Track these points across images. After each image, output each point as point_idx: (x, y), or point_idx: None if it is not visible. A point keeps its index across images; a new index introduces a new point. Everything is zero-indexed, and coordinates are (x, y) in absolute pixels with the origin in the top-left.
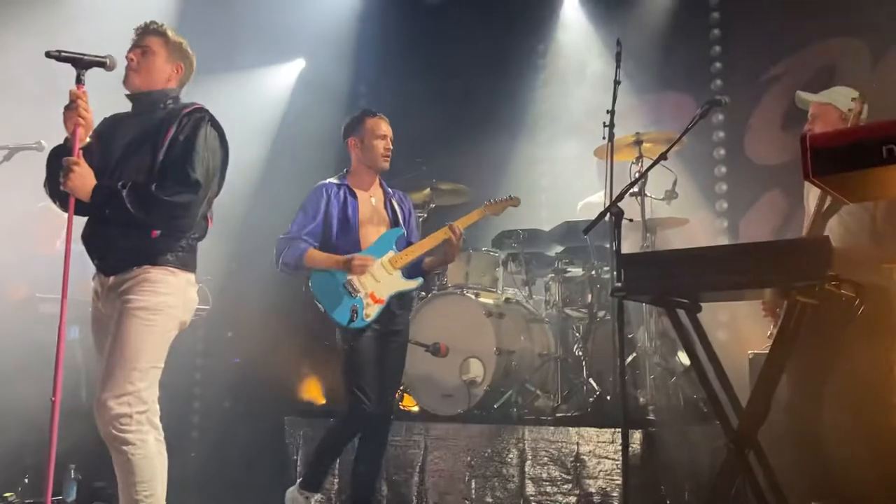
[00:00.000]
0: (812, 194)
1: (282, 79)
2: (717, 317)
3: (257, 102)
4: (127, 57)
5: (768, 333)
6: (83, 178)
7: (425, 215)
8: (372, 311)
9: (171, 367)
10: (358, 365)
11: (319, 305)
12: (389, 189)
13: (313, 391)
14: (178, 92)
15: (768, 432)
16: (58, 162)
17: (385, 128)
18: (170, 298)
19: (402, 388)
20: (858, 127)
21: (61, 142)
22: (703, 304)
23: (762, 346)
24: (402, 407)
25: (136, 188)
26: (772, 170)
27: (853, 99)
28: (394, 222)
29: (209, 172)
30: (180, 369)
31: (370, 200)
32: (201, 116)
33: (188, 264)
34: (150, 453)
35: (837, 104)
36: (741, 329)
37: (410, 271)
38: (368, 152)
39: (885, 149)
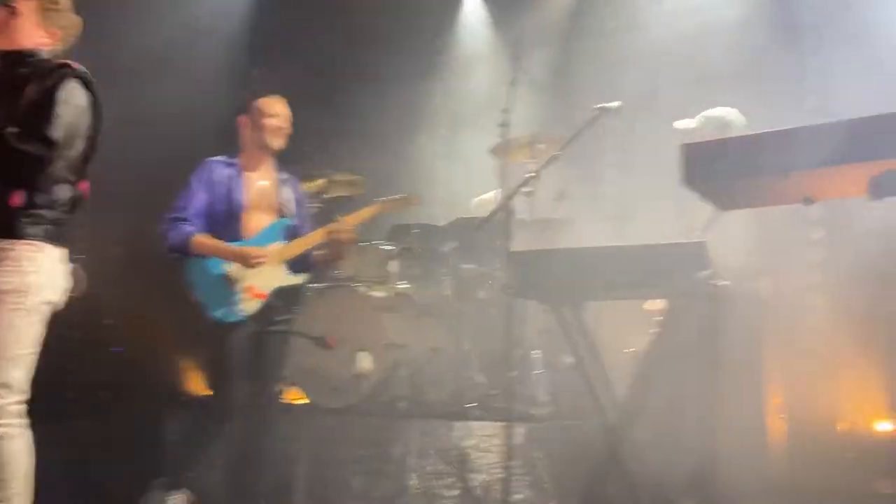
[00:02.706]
0: (693, 202)
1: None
2: (601, 314)
3: (143, 72)
4: None
5: (647, 333)
6: None
7: (321, 206)
8: (249, 306)
9: (44, 355)
10: (227, 360)
11: (193, 294)
12: (283, 174)
13: (196, 382)
14: (53, 52)
15: (644, 429)
16: None
17: (279, 107)
18: (38, 277)
19: (288, 380)
20: (732, 138)
21: None
22: (588, 303)
23: (643, 344)
24: (288, 399)
25: None
26: (659, 175)
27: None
28: (283, 211)
29: (66, 130)
30: (54, 358)
31: (259, 184)
32: (67, 73)
33: (57, 238)
34: (22, 447)
35: (712, 125)
36: (623, 327)
37: (297, 265)
38: (259, 131)
39: (757, 159)
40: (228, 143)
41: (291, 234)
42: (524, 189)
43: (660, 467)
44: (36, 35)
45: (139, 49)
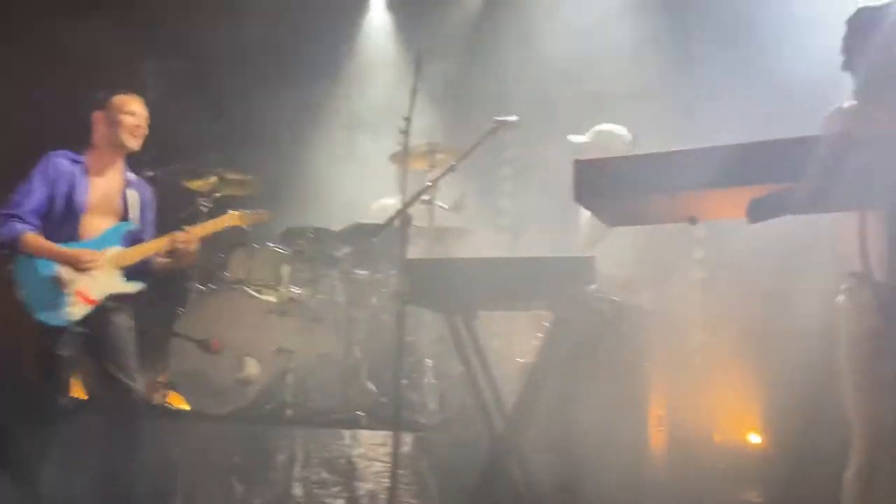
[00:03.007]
0: (584, 215)
1: None
2: (493, 324)
3: None
4: None
5: (535, 342)
6: None
7: (211, 205)
8: (78, 311)
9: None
10: (50, 367)
11: (20, 295)
12: (131, 175)
13: (73, 386)
14: None
15: (531, 438)
16: None
17: (136, 106)
18: None
19: (169, 384)
20: (622, 157)
21: None
22: (479, 313)
23: (532, 356)
24: (168, 404)
25: None
26: (553, 190)
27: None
28: (127, 215)
29: None
30: None
31: (104, 185)
32: None
33: None
34: None
35: (603, 141)
36: (514, 338)
37: (135, 272)
38: (114, 128)
39: (645, 178)
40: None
41: (132, 239)
42: (422, 197)
43: (546, 476)
44: None
45: None
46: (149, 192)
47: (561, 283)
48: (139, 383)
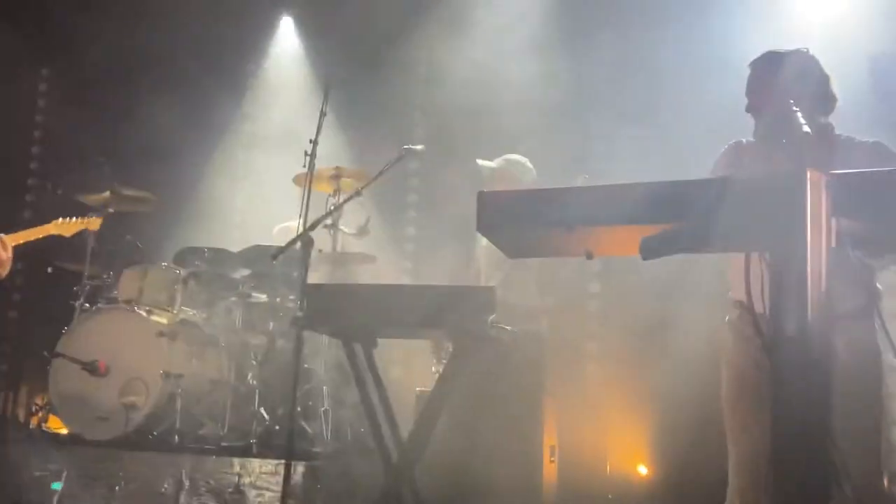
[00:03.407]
0: (481, 244)
1: None
2: (391, 353)
3: None
4: None
5: (435, 373)
6: None
7: (100, 219)
8: None
9: None
10: None
11: None
12: None
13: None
14: None
15: (426, 468)
16: None
17: None
18: None
19: (47, 407)
20: (524, 190)
21: None
22: (379, 340)
23: (430, 384)
24: (46, 428)
25: None
26: (456, 219)
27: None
28: None
29: None
30: None
31: None
32: None
33: None
34: None
35: (509, 168)
36: (414, 366)
37: None
38: None
39: (545, 211)
40: None
41: None
42: (326, 221)
43: None
44: None
45: None
46: None
47: (461, 312)
48: None
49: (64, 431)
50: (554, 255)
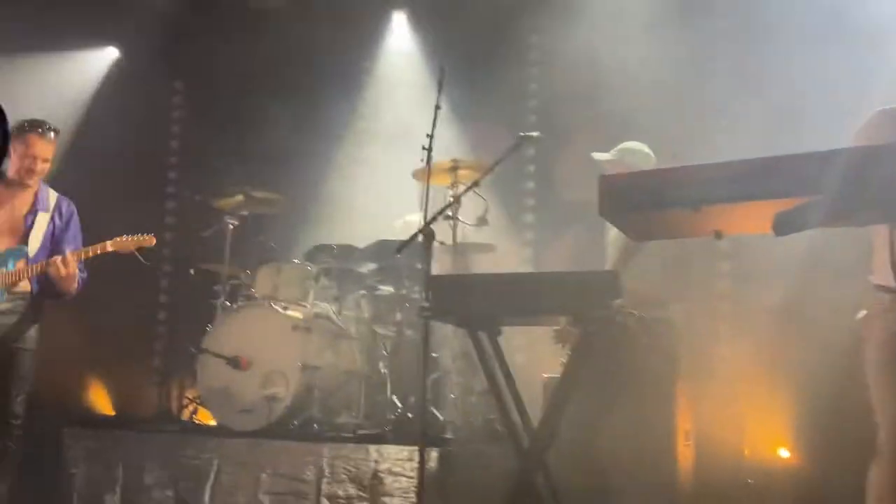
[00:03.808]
0: (611, 231)
1: (91, 66)
2: (516, 340)
3: (63, 89)
4: None
5: (561, 359)
6: None
7: (236, 222)
8: None
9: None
10: None
11: None
12: (46, 199)
13: (100, 401)
14: None
15: (557, 454)
16: None
17: (41, 148)
18: None
19: (196, 400)
20: (647, 171)
21: None
22: (503, 328)
23: (557, 370)
24: (195, 421)
25: None
26: (576, 205)
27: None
28: (26, 238)
29: None
30: None
31: (6, 207)
32: None
33: None
34: None
35: (625, 159)
36: (538, 353)
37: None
38: (14, 164)
39: (670, 192)
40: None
41: (22, 260)
42: (446, 213)
43: (573, 492)
44: None
45: None
46: (66, 215)
47: (586, 298)
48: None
49: (212, 423)
50: (680, 236)
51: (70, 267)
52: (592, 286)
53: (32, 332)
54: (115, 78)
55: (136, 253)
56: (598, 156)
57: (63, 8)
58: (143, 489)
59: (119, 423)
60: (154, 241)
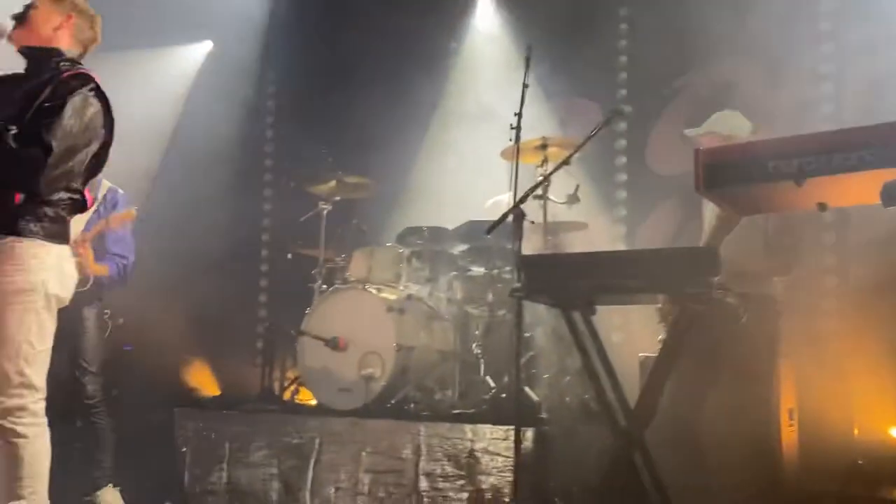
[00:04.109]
0: (709, 206)
1: (188, 60)
2: (611, 319)
3: (162, 83)
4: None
5: (658, 338)
6: None
7: (330, 207)
8: None
9: (58, 351)
10: None
11: None
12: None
13: (206, 382)
14: (73, 54)
15: (655, 433)
16: None
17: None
18: (42, 274)
19: (298, 381)
20: (746, 143)
21: None
22: (597, 307)
23: (653, 349)
24: (298, 401)
25: None
26: (670, 179)
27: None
28: None
29: (69, 140)
30: (65, 355)
31: None
32: (80, 83)
33: (58, 236)
34: (40, 447)
35: (719, 131)
36: (634, 332)
37: None
38: None
39: (772, 165)
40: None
41: None
42: (536, 192)
43: (672, 472)
44: (51, 23)
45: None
46: (109, 205)
47: (684, 275)
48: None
49: (313, 402)
50: (782, 210)
51: (86, 247)
52: (690, 263)
53: (92, 318)
54: (211, 70)
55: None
56: (691, 132)
57: (161, 4)
58: (248, 466)
59: (225, 403)
60: (134, 214)
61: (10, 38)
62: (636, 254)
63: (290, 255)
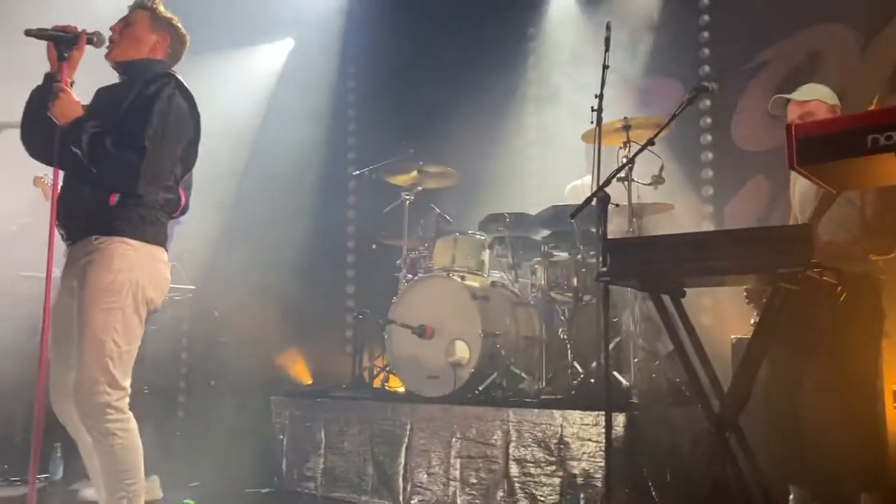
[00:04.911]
0: (798, 183)
1: (271, 58)
2: (700, 301)
3: (247, 81)
4: (110, 28)
5: (752, 320)
6: (69, 104)
7: (412, 197)
8: None
9: (157, 346)
10: None
11: None
12: None
13: (300, 372)
14: (167, 65)
15: (749, 416)
16: (38, 100)
17: None
18: (131, 275)
19: (387, 368)
20: (843, 116)
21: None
22: (686, 290)
23: (745, 331)
24: (387, 388)
25: (93, 136)
26: (757, 156)
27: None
28: None
29: (164, 140)
30: (166, 349)
31: None
32: (166, 82)
33: (152, 238)
34: (132, 442)
35: (825, 100)
36: (725, 313)
37: None
38: None
39: (870, 138)
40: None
41: None
42: (619, 174)
43: (768, 457)
44: (148, 42)
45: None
46: None
47: (777, 254)
48: None
49: (402, 390)
50: (884, 183)
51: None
52: (784, 242)
53: None
54: (294, 67)
55: None
56: (780, 97)
57: (241, 4)
58: (343, 452)
59: (318, 391)
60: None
61: (106, 55)
62: (726, 234)
63: (374, 246)
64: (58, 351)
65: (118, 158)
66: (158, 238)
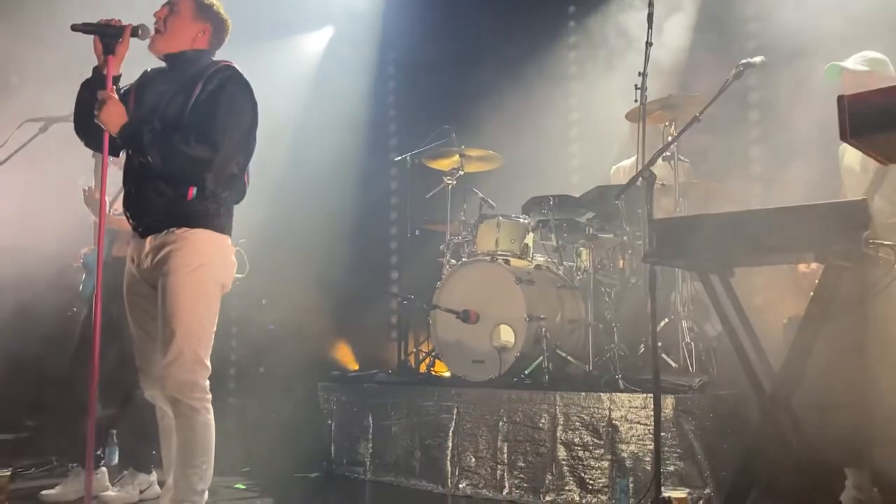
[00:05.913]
0: (846, 155)
1: (312, 46)
2: (752, 281)
3: (289, 70)
4: (154, 14)
5: (805, 297)
6: (115, 112)
7: (454, 182)
8: None
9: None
10: None
11: None
12: None
13: (346, 358)
14: (210, 54)
15: (803, 398)
16: (88, 93)
17: None
18: (213, 262)
19: (433, 353)
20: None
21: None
22: (737, 269)
23: (798, 311)
24: (433, 373)
25: (157, 134)
26: (806, 131)
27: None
28: None
29: (232, 131)
30: (216, 336)
31: None
32: (229, 75)
33: (225, 228)
34: (208, 421)
35: (881, 71)
36: (777, 293)
37: None
38: None
39: None
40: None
41: None
42: (664, 154)
43: (820, 439)
44: (192, 31)
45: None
46: None
47: (830, 231)
48: None
49: (447, 374)
50: None
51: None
52: (836, 218)
53: None
54: (334, 54)
55: None
56: (836, 64)
57: None
58: (391, 437)
59: (364, 377)
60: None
61: (150, 46)
62: (776, 212)
63: (417, 232)
64: (144, 332)
65: (191, 155)
66: (229, 226)
